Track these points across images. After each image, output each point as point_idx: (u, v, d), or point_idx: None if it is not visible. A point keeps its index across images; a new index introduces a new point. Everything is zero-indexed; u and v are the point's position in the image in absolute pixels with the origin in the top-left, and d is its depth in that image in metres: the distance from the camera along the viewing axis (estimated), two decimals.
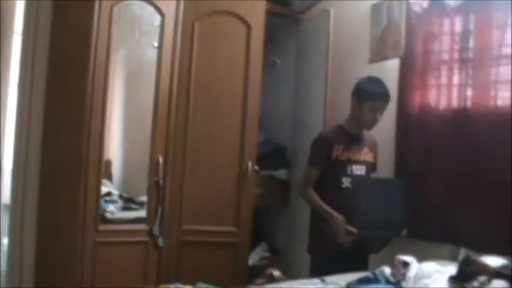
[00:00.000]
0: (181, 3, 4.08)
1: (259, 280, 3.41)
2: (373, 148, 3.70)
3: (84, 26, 3.78)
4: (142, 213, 4.06)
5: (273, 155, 4.79)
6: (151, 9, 4.02)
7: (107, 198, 4.05)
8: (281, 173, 4.83)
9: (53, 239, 4.01)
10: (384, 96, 3.58)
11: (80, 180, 3.68)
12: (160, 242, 3.94)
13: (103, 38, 3.74)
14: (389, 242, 3.41)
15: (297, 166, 4.77)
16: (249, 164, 4.14)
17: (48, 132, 4.08)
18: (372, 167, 3.69)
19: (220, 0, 4.22)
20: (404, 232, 3.46)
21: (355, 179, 3.52)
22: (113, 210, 4.05)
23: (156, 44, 4.08)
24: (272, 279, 3.22)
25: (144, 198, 4.13)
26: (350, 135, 3.64)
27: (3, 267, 4.26)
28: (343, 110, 4.19)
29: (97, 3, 3.71)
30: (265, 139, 4.71)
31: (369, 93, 3.55)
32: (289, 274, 3.85)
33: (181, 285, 2.52)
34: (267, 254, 4.79)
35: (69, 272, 3.75)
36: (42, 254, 4.10)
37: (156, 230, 3.92)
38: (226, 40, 4.19)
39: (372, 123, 3.59)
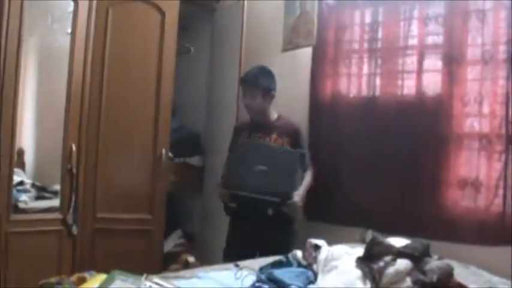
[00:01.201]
0: None
1: (174, 266, 3.43)
2: (285, 134, 3.70)
3: None
4: (55, 202, 4.00)
5: (186, 142, 4.81)
6: None
7: (20, 187, 3.97)
8: (195, 160, 4.87)
9: None
10: (245, 81, 3.77)
11: None
12: (74, 230, 3.91)
13: (14, 25, 3.64)
14: (278, 208, 3.49)
15: (210, 153, 4.81)
16: (163, 151, 4.15)
17: None
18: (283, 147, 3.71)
19: None
20: (292, 201, 3.47)
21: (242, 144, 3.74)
22: (25, 199, 3.98)
23: (69, 31, 4.02)
24: (187, 265, 3.24)
25: (57, 187, 4.07)
26: (254, 123, 3.79)
27: None
28: None
29: None
30: (178, 126, 4.73)
31: (240, 80, 3.88)
32: (204, 260, 3.88)
33: (95, 273, 2.51)
34: (182, 240, 4.82)
35: None
36: None
37: (69, 219, 3.88)
38: (140, 27, 4.18)
39: (247, 108, 3.77)
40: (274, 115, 3.81)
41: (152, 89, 4.15)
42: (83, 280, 2.42)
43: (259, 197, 3.45)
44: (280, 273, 2.65)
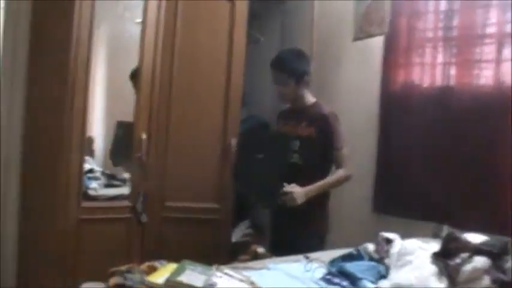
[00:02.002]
0: None
1: (243, 257, 3.41)
2: (315, 123, 3.48)
3: (66, 2, 3.72)
4: (124, 190, 4.04)
5: (256, 132, 4.76)
6: None
7: (90, 175, 4.03)
8: None
9: (36, 215, 3.99)
10: (275, 66, 3.56)
11: (63, 157, 3.65)
12: (143, 218, 3.93)
13: (86, 14, 3.67)
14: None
15: None
16: (232, 141, 4.13)
17: (31, 110, 4.04)
18: (309, 142, 3.48)
19: None
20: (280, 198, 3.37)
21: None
22: (95, 187, 4.03)
23: (138, 20, 4.04)
24: (256, 256, 3.22)
25: (126, 175, 4.13)
26: (290, 111, 3.68)
27: None
28: (328, 88, 4.21)
29: None
30: (248, 116, 4.71)
31: (270, 65, 3.62)
32: (273, 251, 3.85)
33: (166, 263, 2.51)
34: (250, 230, 4.81)
35: (53, 249, 3.74)
36: (25, 231, 4.08)
37: (139, 207, 3.90)
38: (210, 16, 4.15)
39: (280, 96, 3.64)
40: (310, 101, 3.61)
41: (222, 78, 4.13)
42: (153, 269, 2.42)
43: (255, 190, 3.48)
44: (351, 267, 2.61)
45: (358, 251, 2.81)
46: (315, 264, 2.70)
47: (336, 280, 2.53)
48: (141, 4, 3.98)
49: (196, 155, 4.11)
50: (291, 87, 3.51)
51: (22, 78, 4.05)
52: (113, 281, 2.30)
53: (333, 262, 2.72)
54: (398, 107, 3.88)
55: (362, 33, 4.16)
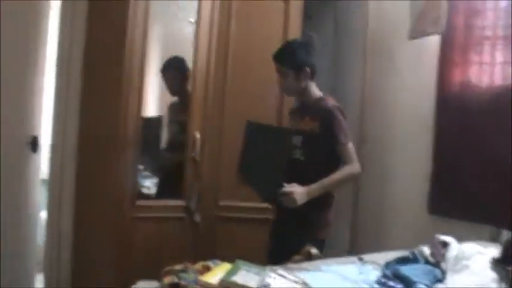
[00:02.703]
0: None
1: (297, 257, 3.39)
2: (319, 117, 3.27)
3: (121, 2, 3.77)
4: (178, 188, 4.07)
5: None
6: None
7: (144, 173, 4.07)
8: None
9: (91, 213, 4.05)
10: (274, 58, 3.36)
11: (118, 155, 3.71)
12: (197, 217, 3.94)
13: (140, 13, 3.73)
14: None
15: None
16: None
17: (86, 109, 4.10)
18: (312, 137, 3.29)
19: None
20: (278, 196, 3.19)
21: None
22: (149, 185, 4.07)
23: (192, 20, 4.06)
24: (310, 257, 3.20)
25: None
26: (296, 106, 3.60)
27: (42, 241, 4.32)
28: (383, 86, 4.15)
29: None
30: None
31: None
32: (325, 251, 3.83)
33: (219, 263, 2.51)
34: None
35: (107, 246, 3.79)
36: (80, 228, 4.15)
37: (192, 206, 3.92)
38: (264, 16, 4.15)
39: (282, 89, 3.48)
40: (315, 95, 3.41)
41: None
42: (207, 269, 2.42)
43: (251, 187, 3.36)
44: (406, 270, 2.56)
45: (413, 253, 2.76)
46: (369, 267, 2.67)
47: (391, 283, 2.49)
48: (195, 4, 4.01)
49: None
50: (291, 79, 3.32)
51: (77, 78, 4.12)
52: (167, 280, 2.31)
53: (387, 265, 2.68)
54: (455, 107, 3.80)
55: (417, 32, 4.09)
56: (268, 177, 3.22)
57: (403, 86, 4.18)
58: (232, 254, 2.88)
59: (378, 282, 2.52)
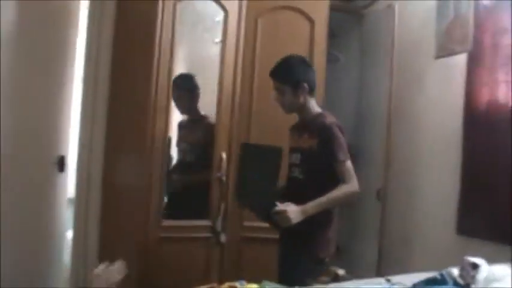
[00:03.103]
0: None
1: (323, 278, 3.36)
2: (317, 134, 3.20)
3: (148, 24, 3.80)
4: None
5: None
6: (214, 5, 4.01)
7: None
8: None
9: (117, 232, 4.06)
10: (271, 74, 3.31)
11: (145, 175, 3.72)
12: (222, 238, 3.93)
13: (167, 35, 3.75)
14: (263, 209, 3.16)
15: (360, 163, 4.69)
16: None
17: (113, 127, 4.13)
18: (310, 154, 3.23)
19: None
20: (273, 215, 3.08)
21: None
22: None
23: (217, 40, 4.09)
24: (336, 278, 3.16)
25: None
26: (296, 123, 3.47)
27: (68, 259, 4.34)
28: (409, 105, 4.12)
29: (160, 1, 3.72)
30: None
31: None
32: (352, 272, 3.80)
33: (245, 283, 2.49)
34: None
35: (133, 266, 3.77)
36: (106, 247, 4.16)
37: (218, 226, 3.91)
38: (290, 36, 4.15)
39: (280, 105, 3.34)
40: (315, 111, 3.33)
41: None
42: None
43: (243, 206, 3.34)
44: None
45: (442, 275, 2.71)
46: None
47: None
48: (220, 25, 4.03)
49: None
50: (288, 95, 3.26)
51: (104, 99, 4.15)
52: None
53: (415, 286, 2.64)
54: (482, 125, 3.75)
55: (444, 50, 4.06)
56: (262, 197, 3.15)
57: (430, 105, 4.14)
58: (257, 275, 2.86)
59: None
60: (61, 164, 4.14)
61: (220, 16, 4.05)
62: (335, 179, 3.14)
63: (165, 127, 3.78)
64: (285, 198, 3.10)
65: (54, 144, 4.17)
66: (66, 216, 4.40)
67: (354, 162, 4.61)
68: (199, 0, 4.09)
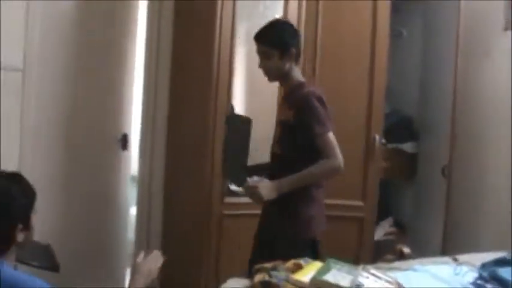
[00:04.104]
0: None
1: (388, 256, 3.33)
2: (294, 106, 2.98)
3: (208, 2, 3.80)
4: None
5: (399, 127, 4.66)
6: None
7: None
8: (408, 146, 4.68)
9: (180, 209, 4.10)
10: (256, 38, 3.08)
11: (207, 153, 3.72)
12: None
13: (227, 13, 3.74)
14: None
15: (424, 138, 4.63)
16: (376, 136, 4.04)
17: (175, 107, 4.16)
18: (288, 127, 3.02)
19: None
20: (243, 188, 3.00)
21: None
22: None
23: (277, 17, 4.05)
24: (402, 256, 3.13)
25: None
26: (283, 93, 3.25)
27: (132, 236, 4.42)
28: (477, 79, 4.01)
29: None
30: (391, 111, 4.59)
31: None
32: (417, 251, 3.75)
33: (311, 261, 2.48)
34: (393, 229, 4.69)
35: (196, 243, 3.82)
36: (169, 224, 4.21)
37: None
38: (352, 11, 4.09)
39: (264, 71, 3.09)
40: (297, 80, 3.10)
41: (365, 73, 4.06)
42: (298, 267, 2.40)
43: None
44: (504, 272, 2.47)
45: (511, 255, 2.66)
46: (464, 268, 2.59)
47: (488, 286, 2.41)
48: (281, 3, 3.98)
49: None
50: (275, 61, 3.02)
51: (165, 77, 4.18)
52: (258, 278, 2.30)
53: (484, 266, 2.58)
54: None
55: None
56: (235, 169, 3.05)
57: (497, 78, 4.03)
58: (322, 252, 2.85)
59: (474, 284, 2.45)
60: (124, 141, 4.19)
61: None
62: (314, 153, 2.92)
63: (227, 103, 3.78)
64: (268, 175, 3.02)
65: (118, 122, 4.23)
66: (130, 194, 4.47)
67: (418, 138, 4.58)
68: None
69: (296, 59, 3.08)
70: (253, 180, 2.95)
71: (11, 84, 3.51)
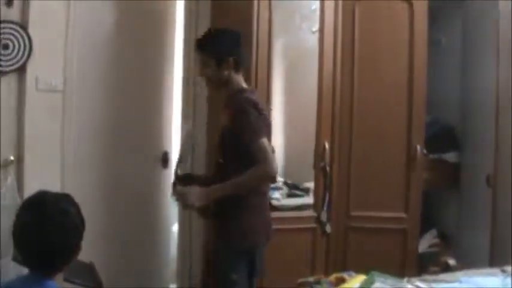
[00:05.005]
0: None
1: (433, 268, 3.28)
2: (230, 110, 2.98)
3: (244, 15, 3.81)
4: (308, 199, 4.06)
5: (440, 137, 4.58)
6: None
7: (272, 185, 4.06)
8: (450, 156, 4.61)
9: None
10: (195, 45, 3.13)
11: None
12: (328, 228, 3.91)
13: (263, 26, 3.75)
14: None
15: (467, 148, 4.56)
16: (418, 147, 3.99)
17: (214, 122, 4.16)
18: (227, 131, 2.98)
19: None
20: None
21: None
22: (278, 197, 4.06)
23: (314, 29, 4.04)
24: (447, 268, 3.08)
25: (308, 184, 4.13)
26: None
27: (174, 253, 4.43)
28: None
29: None
30: (432, 120, 4.52)
31: None
32: (462, 262, 3.68)
33: (354, 274, 2.45)
34: (437, 240, 4.61)
35: None
36: (211, 240, 4.20)
37: (323, 217, 3.89)
38: (389, 20, 4.07)
39: (204, 80, 3.13)
40: (238, 87, 3.07)
41: (404, 83, 4.02)
42: (341, 280, 2.38)
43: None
44: None
45: None
46: None
47: None
48: (316, 13, 3.98)
49: (380, 162, 4.03)
50: (212, 69, 3.02)
51: (204, 94, 4.21)
52: None
53: None
54: None
55: None
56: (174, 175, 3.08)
57: None
58: (363, 265, 2.82)
59: None
60: (165, 159, 4.21)
61: (316, 4, 4.00)
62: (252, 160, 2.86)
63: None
64: (212, 183, 2.94)
65: (158, 141, 4.26)
66: (172, 211, 4.48)
67: (460, 147, 4.51)
68: None
69: (236, 67, 3.05)
70: (183, 187, 2.93)
71: (52, 105, 3.57)
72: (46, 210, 1.85)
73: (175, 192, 2.97)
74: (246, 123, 2.86)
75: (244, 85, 3.12)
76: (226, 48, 3.03)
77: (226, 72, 3.01)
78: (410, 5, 4.05)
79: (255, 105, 2.95)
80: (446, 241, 4.65)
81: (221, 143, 3.03)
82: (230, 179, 2.85)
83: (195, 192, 2.87)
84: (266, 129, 2.96)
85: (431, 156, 4.44)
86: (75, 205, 1.94)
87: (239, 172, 2.83)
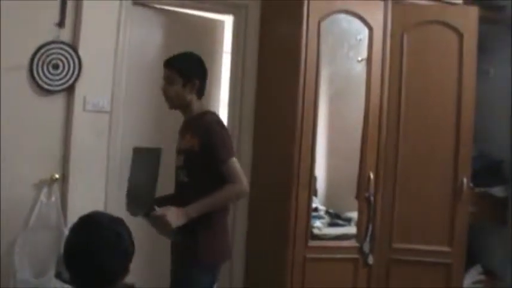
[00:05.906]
0: (389, 15, 3.97)
1: None
2: (199, 134, 2.97)
3: (292, 43, 3.84)
4: (349, 229, 4.04)
5: (488, 171, 4.49)
6: (357, 22, 3.98)
7: (314, 213, 4.04)
8: (497, 190, 4.52)
9: (262, 252, 4.07)
10: (165, 62, 3.10)
11: (291, 195, 3.73)
12: (370, 260, 3.86)
13: (312, 54, 3.76)
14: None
15: None
16: (464, 180, 3.93)
17: (259, 149, 4.16)
18: (193, 156, 2.98)
19: (430, 10, 4.09)
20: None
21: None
22: (319, 225, 4.05)
23: (359, 58, 4.04)
24: None
25: (350, 214, 4.12)
26: (182, 124, 3.21)
27: None
28: None
29: (305, 19, 3.75)
30: (479, 153, 4.45)
31: None
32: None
33: None
34: (482, 277, 4.51)
35: (279, 286, 3.77)
36: (251, 266, 4.18)
37: (366, 248, 3.84)
38: (437, 50, 4.03)
39: (164, 96, 3.10)
40: (200, 110, 3.10)
41: (452, 114, 3.98)
42: None
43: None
44: None
45: None
46: None
47: None
48: (363, 43, 4.00)
49: (425, 194, 3.97)
50: (177, 87, 3.04)
51: (250, 119, 4.21)
52: None
53: None
54: None
55: None
56: (140, 200, 2.97)
57: None
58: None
59: None
60: None
61: (362, 34, 4.01)
62: (221, 179, 2.91)
63: (311, 145, 3.80)
64: (174, 204, 2.90)
65: None
66: None
67: (508, 181, 4.41)
68: (343, 18, 4.02)
69: (199, 92, 3.09)
70: (159, 209, 2.86)
71: (99, 125, 3.62)
72: (100, 231, 1.86)
73: (154, 214, 2.86)
74: (217, 144, 2.93)
75: (205, 108, 3.17)
76: (194, 70, 3.09)
77: (189, 95, 3.05)
78: (460, 35, 4.02)
79: (222, 126, 3.08)
80: (492, 278, 4.55)
81: (186, 163, 3.03)
82: (197, 198, 2.86)
83: (173, 213, 2.84)
84: (232, 148, 3.05)
85: (477, 189, 4.36)
86: (127, 229, 1.93)
87: (208, 191, 2.86)
